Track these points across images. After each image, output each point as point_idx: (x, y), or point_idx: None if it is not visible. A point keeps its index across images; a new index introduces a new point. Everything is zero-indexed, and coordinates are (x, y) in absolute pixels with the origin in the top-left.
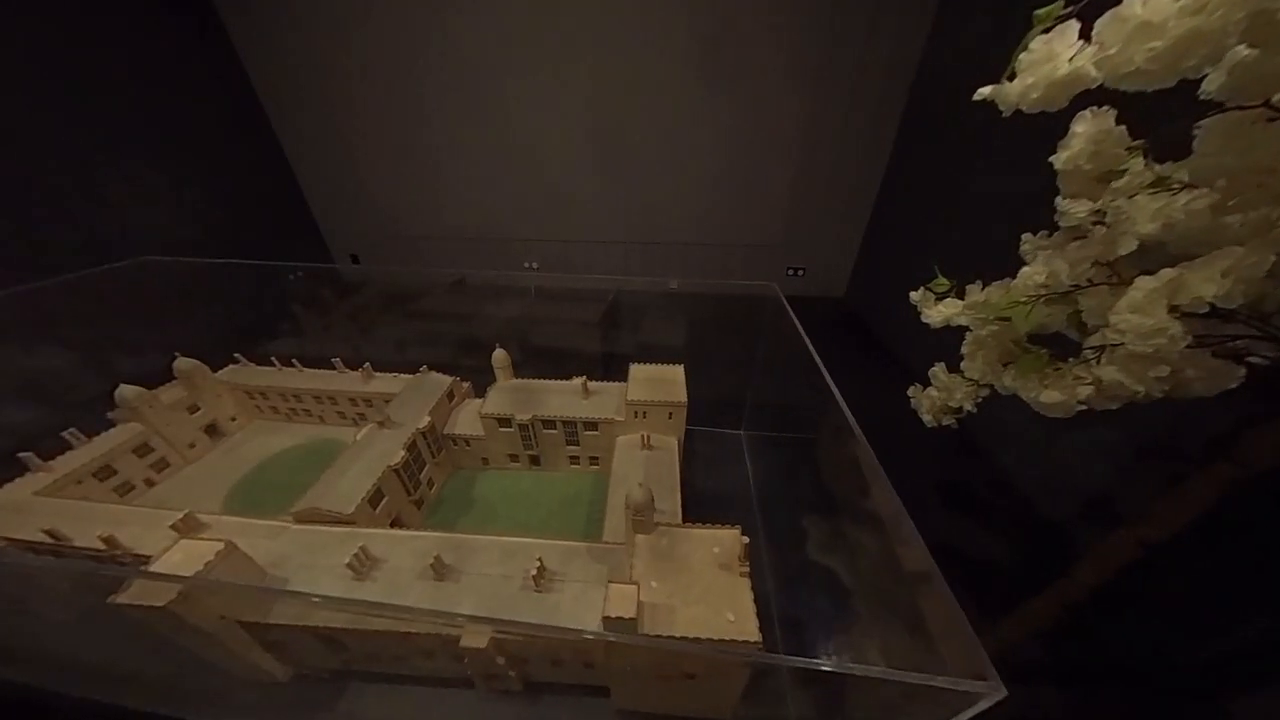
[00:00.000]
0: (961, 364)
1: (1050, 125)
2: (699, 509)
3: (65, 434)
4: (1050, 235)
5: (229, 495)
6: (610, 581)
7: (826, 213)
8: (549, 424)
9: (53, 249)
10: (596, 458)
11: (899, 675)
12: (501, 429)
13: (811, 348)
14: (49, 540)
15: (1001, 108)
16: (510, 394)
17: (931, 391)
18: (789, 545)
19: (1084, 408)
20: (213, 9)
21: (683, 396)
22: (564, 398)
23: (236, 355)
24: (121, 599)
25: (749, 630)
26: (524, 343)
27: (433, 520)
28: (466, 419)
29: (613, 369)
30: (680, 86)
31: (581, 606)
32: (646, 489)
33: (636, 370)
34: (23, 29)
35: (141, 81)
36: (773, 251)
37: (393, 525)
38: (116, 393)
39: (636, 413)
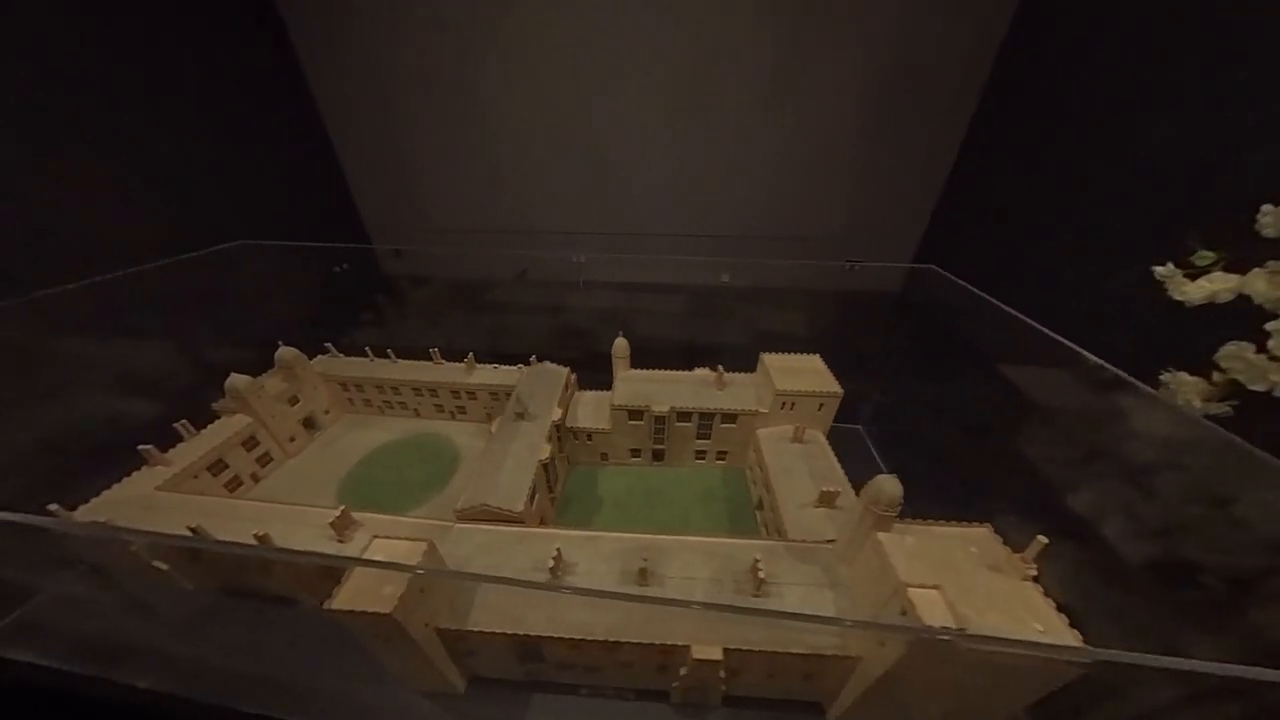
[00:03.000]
0: (1270, 343)
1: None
2: None
3: (177, 425)
4: None
5: (339, 491)
6: (908, 585)
7: (888, 206)
8: (684, 416)
9: (133, 239)
10: (725, 452)
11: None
12: (631, 422)
13: (1034, 324)
14: (190, 538)
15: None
16: (636, 385)
17: (1190, 379)
18: None
19: None
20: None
21: (836, 386)
22: (695, 389)
23: (327, 345)
24: (338, 605)
25: (1070, 640)
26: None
27: (565, 518)
28: (585, 412)
29: (696, 359)
30: (742, 76)
31: (810, 609)
32: (896, 481)
33: (770, 360)
34: (114, 36)
35: (206, 76)
36: (828, 245)
37: (541, 524)
38: (227, 383)
39: (784, 404)
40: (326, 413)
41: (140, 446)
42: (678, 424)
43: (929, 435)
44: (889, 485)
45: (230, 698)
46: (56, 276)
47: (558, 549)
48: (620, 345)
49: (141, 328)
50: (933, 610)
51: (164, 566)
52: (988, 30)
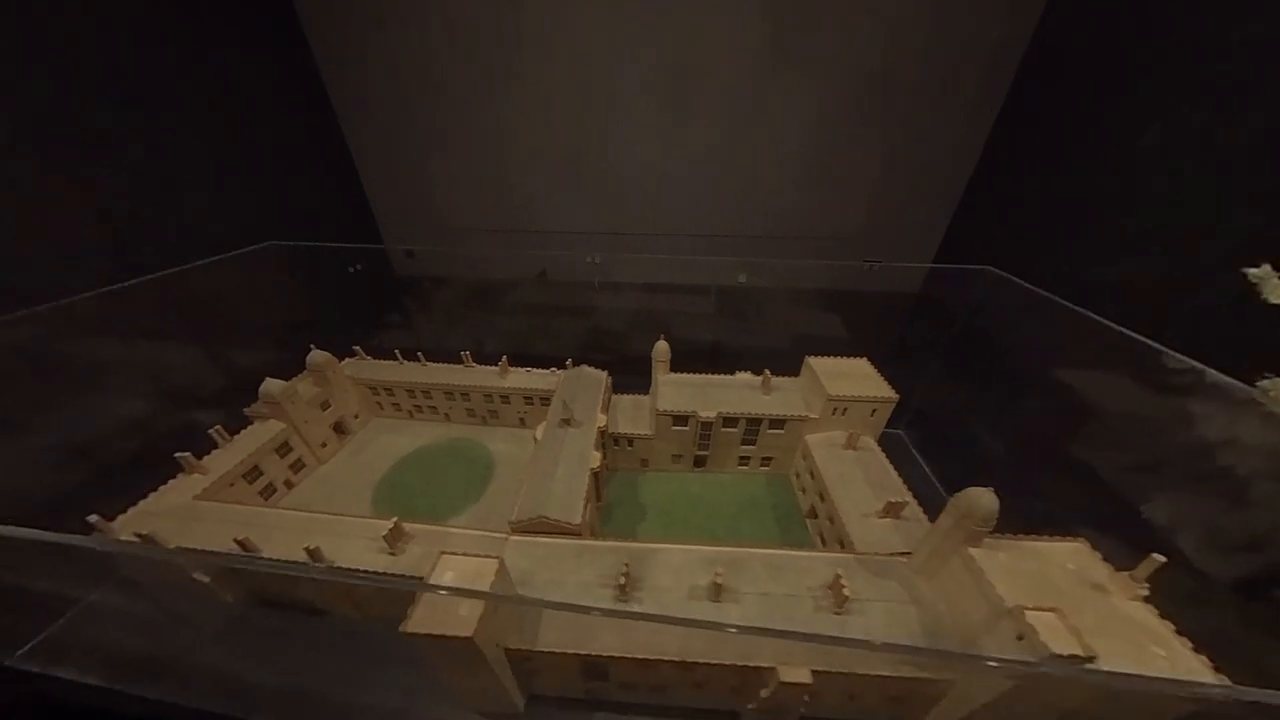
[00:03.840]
0: None
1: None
2: None
3: (211, 432)
4: None
5: (374, 499)
6: (1025, 609)
7: (908, 206)
8: (730, 422)
9: (168, 240)
10: (769, 458)
11: None
12: (675, 428)
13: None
14: (239, 553)
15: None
16: (679, 389)
17: None
18: None
19: None
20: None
21: (890, 391)
22: (741, 393)
23: (355, 347)
24: (415, 628)
25: (1197, 669)
26: (632, 336)
27: (609, 526)
28: (625, 417)
29: (721, 363)
30: (757, 73)
31: (898, 629)
32: (992, 495)
33: (817, 363)
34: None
35: (224, 77)
36: (846, 245)
37: (590, 534)
38: (262, 387)
39: (836, 409)
40: (356, 417)
41: (177, 454)
42: (723, 430)
43: (980, 440)
44: (985, 499)
45: (275, 715)
46: (81, 280)
47: (626, 564)
48: (661, 348)
49: (171, 331)
50: (1056, 636)
51: (205, 579)
52: (1018, 21)
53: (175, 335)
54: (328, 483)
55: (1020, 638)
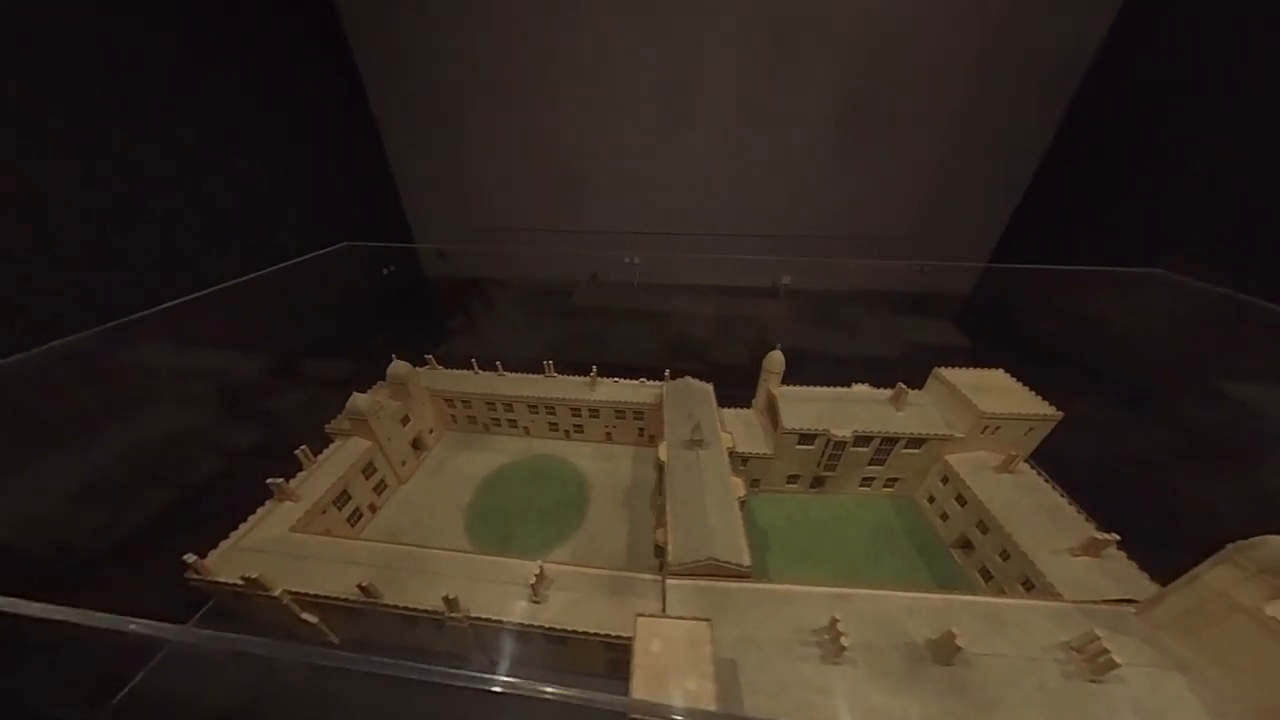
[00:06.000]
0: None
1: None
2: None
3: (297, 453)
4: None
5: (466, 525)
6: None
7: (963, 207)
8: (862, 440)
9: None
10: (895, 479)
11: None
12: (800, 446)
13: None
14: (360, 599)
15: None
16: (800, 405)
17: None
18: None
19: None
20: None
21: (1048, 408)
22: (869, 409)
23: (427, 356)
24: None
25: None
26: (686, 339)
27: None
28: (735, 434)
29: (801, 372)
30: (811, 71)
31: (1175, 707)
32: None
33: (950, 375)
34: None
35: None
36: (896, 245)
37: None
38: (350, 403)
39: (987, 427)
40: (430, 432)
41: (269, 480)
42: (854, 449)
43: (1133, 459)
44: None
45: None
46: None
47: (836, 617)
48: (775, 359)
49: (233, 340)
50: None
51: (313, 620)
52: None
53: (243, 345)
54: (412, 507)
55: None
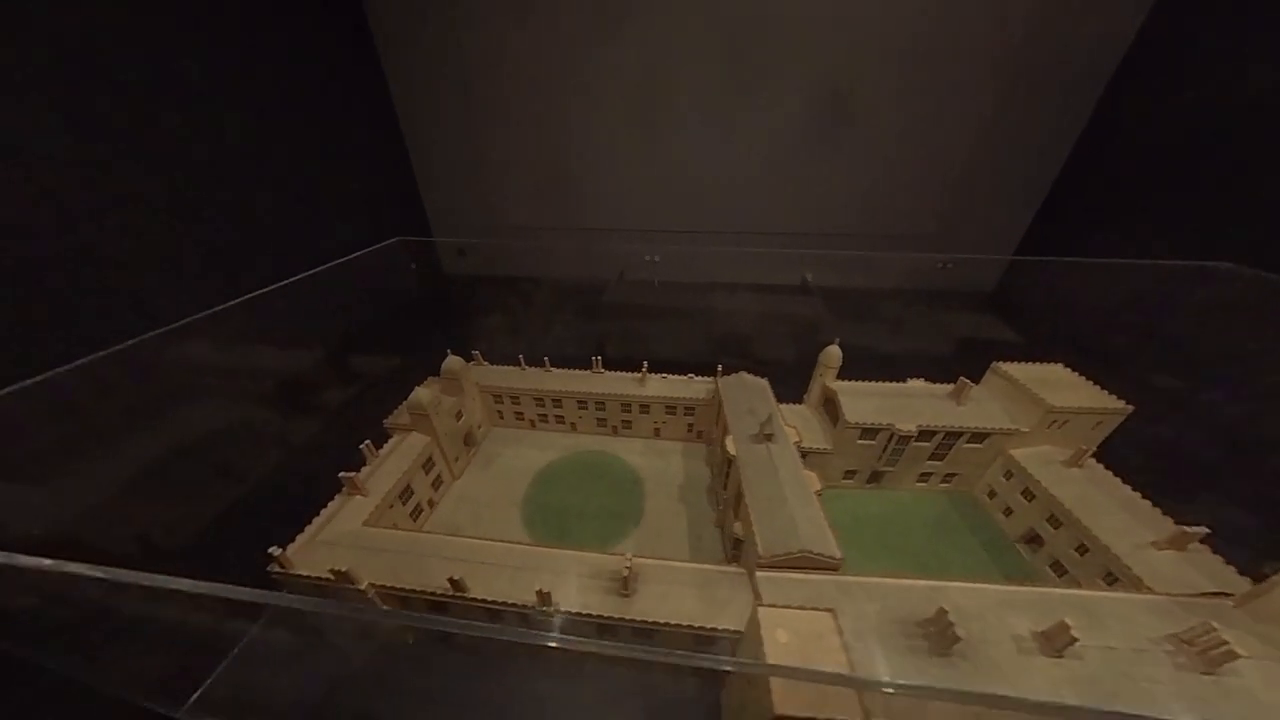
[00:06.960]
0: None
1: None
2: None
3: (362, 447)
4: None
5: (524, 520)
6: None
7: (987, 205)
8: (925, 435)
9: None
10: (953, 474)
11: None
12: (861, 441)
13: None
14: (449, 593)
15: None
16: (861, 399)
17: None
18: None
19: None
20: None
21: (1116, 401)
22: (930, 403)
23: (474, 352)
24: (788, 710)
25: None
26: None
27: None
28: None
29: (850, 367)
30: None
31: None
32: None
33: (1010, 370)
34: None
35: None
36: (920, 243)
37: None
38: (411, 398)
39: (1054, 422)
40: (479, 427)
41: (341, 474)
42: (917, 444)
43: (1200, 455)
44: None
45: None
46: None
47: (946, 610)
48: (832, 353)
49: (286, 338)
50: None
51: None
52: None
53: (298, 342)
54: (468, 502)
55: None
